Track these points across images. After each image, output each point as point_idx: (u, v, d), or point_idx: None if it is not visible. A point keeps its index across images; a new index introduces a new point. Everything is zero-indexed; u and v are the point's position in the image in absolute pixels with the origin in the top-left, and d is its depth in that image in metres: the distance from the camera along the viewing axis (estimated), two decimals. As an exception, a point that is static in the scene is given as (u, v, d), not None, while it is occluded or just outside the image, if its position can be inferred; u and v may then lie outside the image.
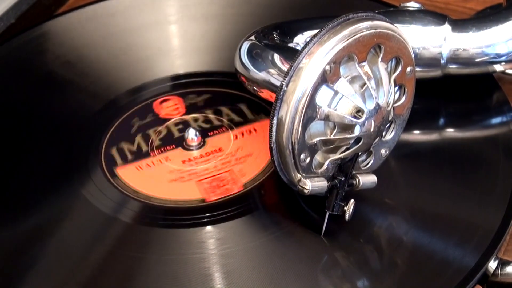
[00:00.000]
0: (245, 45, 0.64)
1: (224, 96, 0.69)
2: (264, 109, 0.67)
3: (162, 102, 0.69)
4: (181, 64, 0.74)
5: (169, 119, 0.68)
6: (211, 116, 0.67)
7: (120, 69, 0.73)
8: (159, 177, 0.63)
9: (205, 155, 0.64)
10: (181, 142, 0.65)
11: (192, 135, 0.65)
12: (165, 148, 0.65)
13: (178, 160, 0.64)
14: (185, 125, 0.67)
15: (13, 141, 0.67)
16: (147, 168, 0.64)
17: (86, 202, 0.61)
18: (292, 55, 0.53)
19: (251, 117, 0.67)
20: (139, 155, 0.65)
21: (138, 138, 0.66)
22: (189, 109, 0.69)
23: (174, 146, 0.65)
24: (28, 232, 0.59)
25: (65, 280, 0.55)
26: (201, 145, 0.65)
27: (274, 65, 0.61)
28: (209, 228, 0.58)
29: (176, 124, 0.67)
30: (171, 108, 0.69)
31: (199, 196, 0.61)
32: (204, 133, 0.66)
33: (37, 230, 0.59)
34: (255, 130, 0.66)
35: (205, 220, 0.59)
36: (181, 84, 0.72)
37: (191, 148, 0.65)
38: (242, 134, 0.65)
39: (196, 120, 0.68)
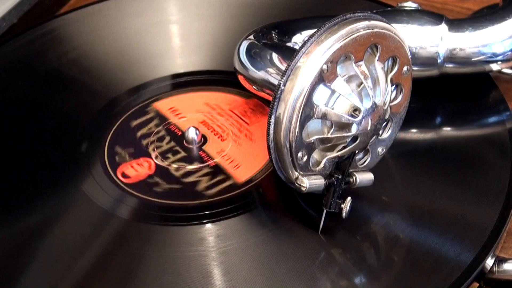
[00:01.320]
0: (244, 44, 0.64)
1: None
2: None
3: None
4: (181, 63, 0.74)
5: None
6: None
7: (121, 68, 0.74)
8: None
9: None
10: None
11: (192, 134, 0.65)
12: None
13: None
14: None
15: (15, 138, 0.67)
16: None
17: (87, 199, 0.61)
18: (290, 54, 0.53)
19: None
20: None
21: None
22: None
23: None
24: (29, 228, 0.59)
25: (65, 275, 0.56)
26: (201, 144, 0.65)
27: (272, 64, 0.61)
28: (208, 225, 0.58)
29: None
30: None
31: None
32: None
33: (38, 226, 0.59)
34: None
35: (205, 217, 0.59)
36: (181, 82, 0.72)
37: (196, 146, 0.65)
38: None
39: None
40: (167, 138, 0.66)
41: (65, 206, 0.61)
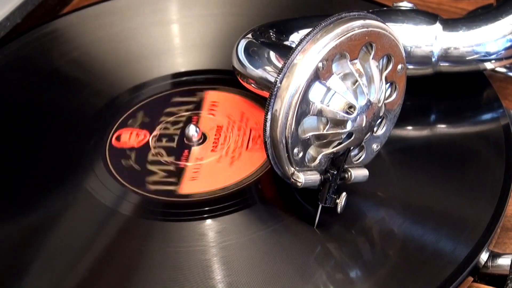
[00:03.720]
0: (242, 43, 0.64)
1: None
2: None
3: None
4: (182, 63, 0.75)
5: None
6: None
7: (123, 67, 0.74)
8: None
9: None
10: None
11: (192, 131, 0.65)
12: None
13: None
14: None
15: (18, 136, 0.68)
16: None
17: (89, 196, 0.62)
18: (287, 52, 0.54)
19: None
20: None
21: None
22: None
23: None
24: (33, 225, 0.60)
25: (68, 271, 0.56)
26: (201, 141, 0.66)
27: (270, 62, 0.62)
28: (209, 221, 0.59)
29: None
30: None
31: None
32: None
33: (42, 222, 0.60)
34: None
35: (205, 213, 0.59)
36: (182, 81, 0.72)
37: (191, 144, 0.65)
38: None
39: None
40: (180, 125, 0.67)
41: (68, 203, 0.62)
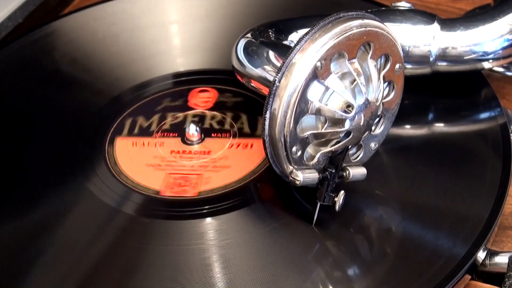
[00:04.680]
0: (242, 42, 0.64)
1: (255, 104, 0.69)
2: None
3: (200, 91, 0.70)
4: (182, 62, 0.75)
5: (192, 109, 0.69)
6: (228, 120, 0.68)
7: (123, 67, 0.74)
8: (141, 158, 0.65)
9: (192, 153, 0.65)
10: (183, 134, 0.66)
11: (192, 130, 0.66)
12: (168, 134, 0.67)
13: (169, 148, 0.65)
14: (201, 119, 0.68)
15: (20, 135, 0.68)
16: (141, 146, 0.66)
17: (90, 195, 0.62)
18: (286, 52, 0.54)
19: (259, 132, 0.66)
20: (145, 132, 0.67)
21: (156, 117, 0.68)
22: (217, 106, 0.69)
23: (176, 135, 0.66)
24: (35, 224, 0.60)
25: (70, 270, 0.56)
26: (199, 142, 0.66)
27: (269, 61, 0.61)
28: (209, 220, 0.59)
29: (194, 115, 0.68)
30: (202, 100, 0.70)
31: (158, 187, 0.62)
32: (208, 132, 0.66)
33: (44, 221, 0.60)
34: (251, 145, 0.65)
35: (205, 212, 0.60)
36: (182, 81, 0.72)
37: (190, 142, 0.66)
38: (238, 145, 0.65)
39: (213, 117, 0.68)
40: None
41: (68, 201, 0.62)
